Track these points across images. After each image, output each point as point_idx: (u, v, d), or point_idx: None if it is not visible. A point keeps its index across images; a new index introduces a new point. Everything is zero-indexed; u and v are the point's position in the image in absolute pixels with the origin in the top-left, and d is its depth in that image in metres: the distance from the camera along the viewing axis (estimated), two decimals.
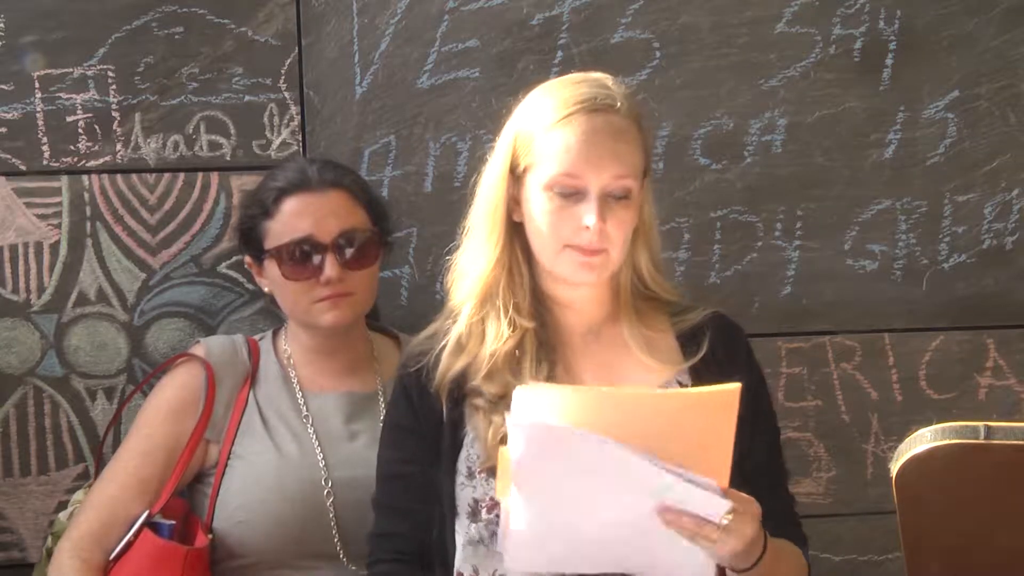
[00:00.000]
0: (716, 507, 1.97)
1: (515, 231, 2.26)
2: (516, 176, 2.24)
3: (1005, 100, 3.05)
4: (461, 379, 2.27)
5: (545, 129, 2.20)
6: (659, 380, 2.27)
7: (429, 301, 2.97)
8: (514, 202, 2.25)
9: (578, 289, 2.27)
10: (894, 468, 1.86)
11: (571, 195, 2.18)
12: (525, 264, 2.27)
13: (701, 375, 2.27)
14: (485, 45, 2.97)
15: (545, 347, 2.27)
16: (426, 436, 2.28)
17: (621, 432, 1.95)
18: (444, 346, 2.28)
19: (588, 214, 2.17)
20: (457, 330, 2.28)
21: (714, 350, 2.29)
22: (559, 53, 2.97)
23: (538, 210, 2.21)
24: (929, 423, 1.87)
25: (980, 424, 1.82)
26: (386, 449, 2.36)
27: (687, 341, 2.30)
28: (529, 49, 2.97)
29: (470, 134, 2.97)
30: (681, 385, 2.27)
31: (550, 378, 2.24)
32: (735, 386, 1.98)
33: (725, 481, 1.99)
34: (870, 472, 3.06)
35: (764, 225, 3.03)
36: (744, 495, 2.02)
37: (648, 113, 2.32)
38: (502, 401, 2.21)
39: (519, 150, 2.23)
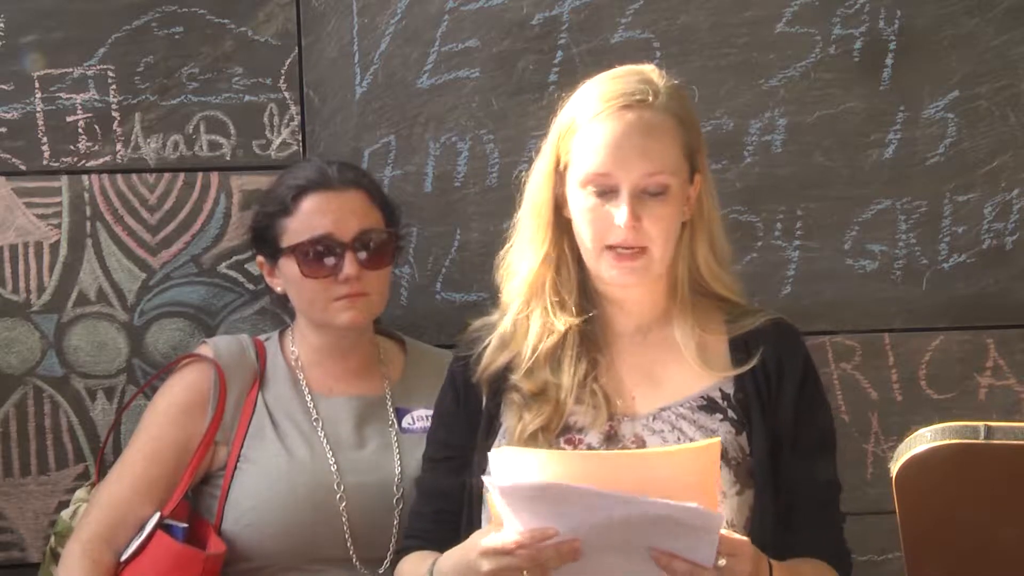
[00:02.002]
0: (709, 521, 1.97)
1: (564, 228, 2.26)
2: (560, 172, 2.25)
3: (1005, 100, 3.05)
4: (503, 373, 2.29)
5: (581, 126, 2.21)
6: (701, 386, 2.26)
7: (429, 301, 2.97)
8: (563, 199, 2.26)
9: (628, 288, 2.27)
10: (894, 468, 1.86)
11: (605, 193, 2.19)
12: (574, 261, 2.27)
13: (746, 386, 2.26)
14: (485, 45, 2.97)
15: (588, 345, 2.27)
16: (465, 424, 2.32)
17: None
18: (489, 342, 2.30)
19: (619, 213, 2.17)
20: (503, 327, 2.30)
21: (765, 362, 2.26)
22: (559, 53, 2.97)
23: (577, 207, 2.22)
24: (929, 423, 1.87)
25: (980, 424, 1.82)
26: (431, 431, 2.42)
27: (738, 348, 2.28)
28: (529, 49, 2.97)
29: (470, 134, 2.97)
30: (723, 393, 2.26)
31: (589, 376, 2.25)
32: (714, 441, 2.01)
33: None
34: (870, 472, 3.05)
35: (764, 225, 3.03)
36: (737, 538, 2.04)
37: (694, 106, 2.31)
38: (535, 399, 2.24)
39: (561, 146, 2.24)
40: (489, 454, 2.02)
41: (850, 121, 3.03)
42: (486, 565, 2.04)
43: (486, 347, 2.31)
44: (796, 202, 3.04)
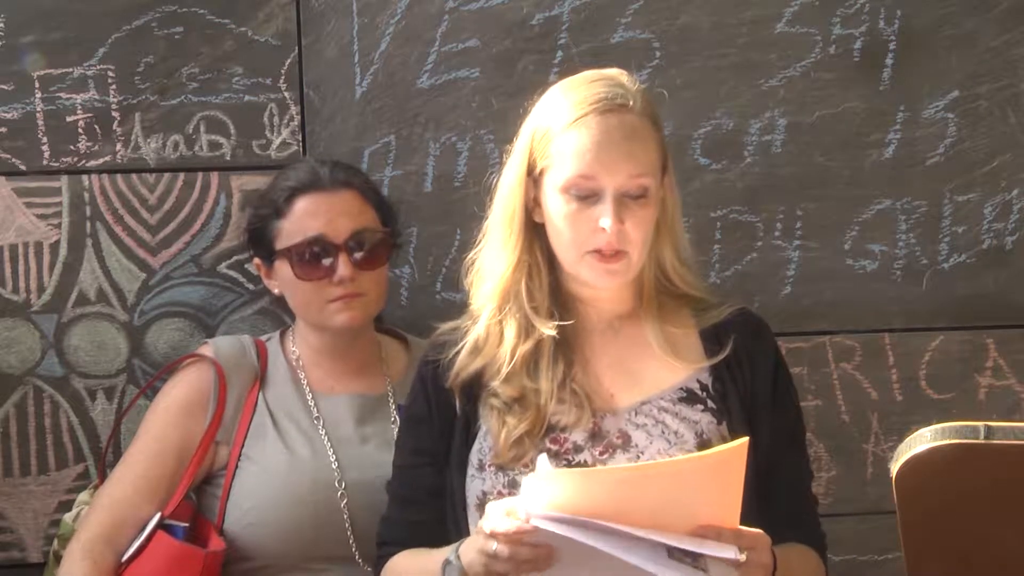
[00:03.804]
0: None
1: (535, 232, 2.26)
2: (534, 178, 2.25)
3: (1005, 100, 3.05)
4: (476, 378, 2.29)
5: (559, 131, 2.20)
6: (678, 379, 2.27)
7: (429, 301, 2.97)
8: (534, 203, 2.25)
9: (605, 289, 2.27)
10: (894, 468, 1.86)
11: (587, 197, 2.18)
12: (545, 265, 2.27)
13: (722, 376, 2.27)
14: (485, 45, 2.97)
15: (563, 346, 2.27)
16: (439, 429, 2.31)
17: (634, 504, 1.95)
18: (461, 347, 2.29)
19: (604, 216, 2.17)
20: (476, 333, 2.29)
21: (737, 351, 2.28)
22: (559, 53, 2.97)
23: (556, 213, 2.21)
24: (929, 423, 1.87)
25: (980, 424, 1.82)
26: (401, 437, 2.40)
27: (710, 339, 2.29)
28: (529, 49, 2.97)
29: (470, 134, 2.97)
30: (701, 384, 2.27)
31: (567, 377, 2.25)
32: (743, 441, 1.99)
33: (736, 523, 2.01)
34: (870, 472, 3.06)
35: (764, 225, 3.03)
36: (754, 531, 2.03)
37: (662, 105, 2.32)
38: (517, 403, 2.24)
39: (536, 152, 2.24)
40: (524, 479, 1.99)
41: (850, 121, 3.03)
42: (489, 522, 2.02)
43: (457, 352, 2.30)
44: (796, 202, 3.04)
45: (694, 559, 1.98)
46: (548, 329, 2.24)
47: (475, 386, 2.29)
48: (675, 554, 1.97)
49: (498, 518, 2.02)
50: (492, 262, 2.29)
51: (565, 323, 2.26)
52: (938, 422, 1.85)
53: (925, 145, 3.05)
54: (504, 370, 2.25)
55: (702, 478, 1.98)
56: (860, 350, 3.06)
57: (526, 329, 2.25)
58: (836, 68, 3.02)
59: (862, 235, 3.05)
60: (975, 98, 3.04)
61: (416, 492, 2.32)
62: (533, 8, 2.97)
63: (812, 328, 3.05)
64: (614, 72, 2.28)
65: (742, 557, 1.98)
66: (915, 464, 1.84)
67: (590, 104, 2.20)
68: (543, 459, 2.04)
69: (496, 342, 2.27)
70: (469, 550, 2.11)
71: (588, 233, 2.19)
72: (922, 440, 1.83)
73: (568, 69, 2.91)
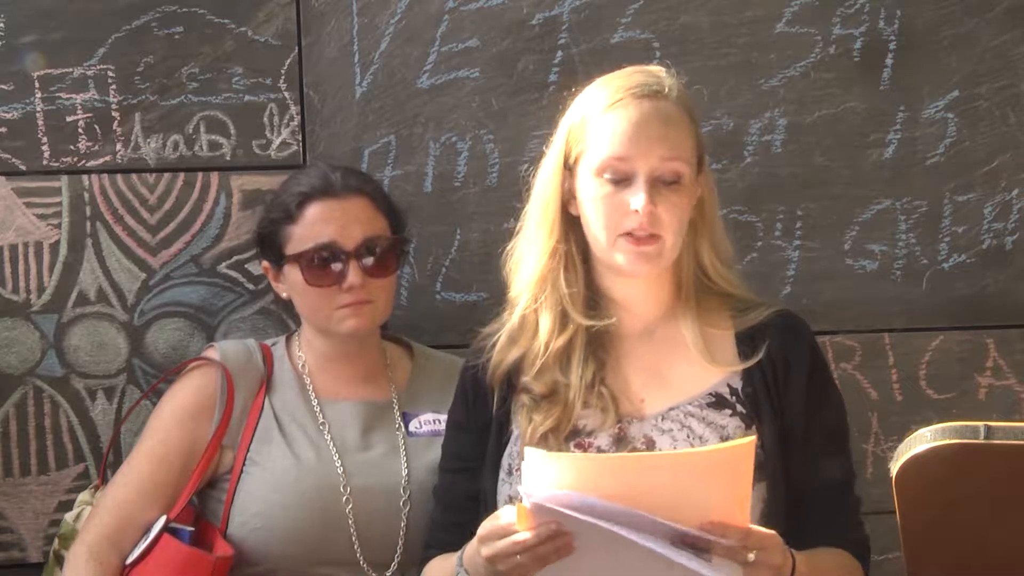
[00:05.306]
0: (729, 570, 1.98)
1: (571, 225, 2.28)
2: (570, 167, 2.27)
3: (1005, 100, 3.05)
4: (513, 373, 2.30)
5: (595, 115, 2.23)
6: (709, 383, 2.27)
7: (429, 301, 2.97)
8: (570, 195, 2.27)
9: (635, 284, 2.28)
10: (894, 468, 1.87)
11: (621, 180, 2.20)
12: (580, 260, 2.29)
13: (754, 380, 2.26)
14: (485, 45, 2.97)
15: (595, 347, 2.28)
16: (477, 434, 2.33)
17: (638, 495, 1.94)
18: (499, 337, 2.32)
19: (636, 197, 2.18)
20: (511, 322, 2.31)
21: (771, 354, 2.27)
22: (559, 53, 2.97)
23: (590, 197, 2.23)
24: (929, 423, 1.87)
25: (980, 424, 1.82)
26: (445, 443, 2.43)
27: (744, 342, 2.29)
28: (529, 49, 2.97)
29: (470, 134, 2.97)
30: (731, 388, 2.27)
31: (596, 377, 2.26)
32: (750, 439, 1.99)
33: (746, 521, 2.00)
34: (870, 472, 3.05)
35: (764, 225, 3.03)
36: (765, 532, 2.03)
37: (700, 103, 2.33)
38: (545, 400, 2.25)
39: (572, 139, 2.27)
40: (526, 450, 1.99)
41: (850, 121, 3.03)
42: (485, 551, 2.04)
43: (494, 345, 2.32)
44: (796, 202, 3.04)
45: (698, 552, 1.97)
46: (581, 318, 2.25)
47: (511, 385, 2.30)
48: (679, 545, 1.96)
49: (497, 537, 2.02)
50: (528, 250, 2.31)
51: (601, 323, 2.27)
52: (938, 422, 1.85)
53: (925, 145, 3.05)
54: (538, 362, 2.26)
55: (708, 473, 1.97)
56: (860, 350, 3.06)
57: (561, 322, 2.26)
58: (836, 68, 3.02)
59: (862, 235, 3.05)
60: (975, 98, 3.04)
61: (456, 497, 2.35)
62: (533, 8, 2.97)
63: (812, 328, 3.04)
64: (654, 68, 2.31)
65: (750, 557, 1.97)
66: (915, 464, 1.84)
67: (626, 90, 2.23)
68: (531, 450, 2.01)
69: (531, 332, 2.29)
70: (473, 558, 2.11)
71: (621, 216, 2.20)
72: (922, 440, 1.83)
73: (568, 69, 2.93)
